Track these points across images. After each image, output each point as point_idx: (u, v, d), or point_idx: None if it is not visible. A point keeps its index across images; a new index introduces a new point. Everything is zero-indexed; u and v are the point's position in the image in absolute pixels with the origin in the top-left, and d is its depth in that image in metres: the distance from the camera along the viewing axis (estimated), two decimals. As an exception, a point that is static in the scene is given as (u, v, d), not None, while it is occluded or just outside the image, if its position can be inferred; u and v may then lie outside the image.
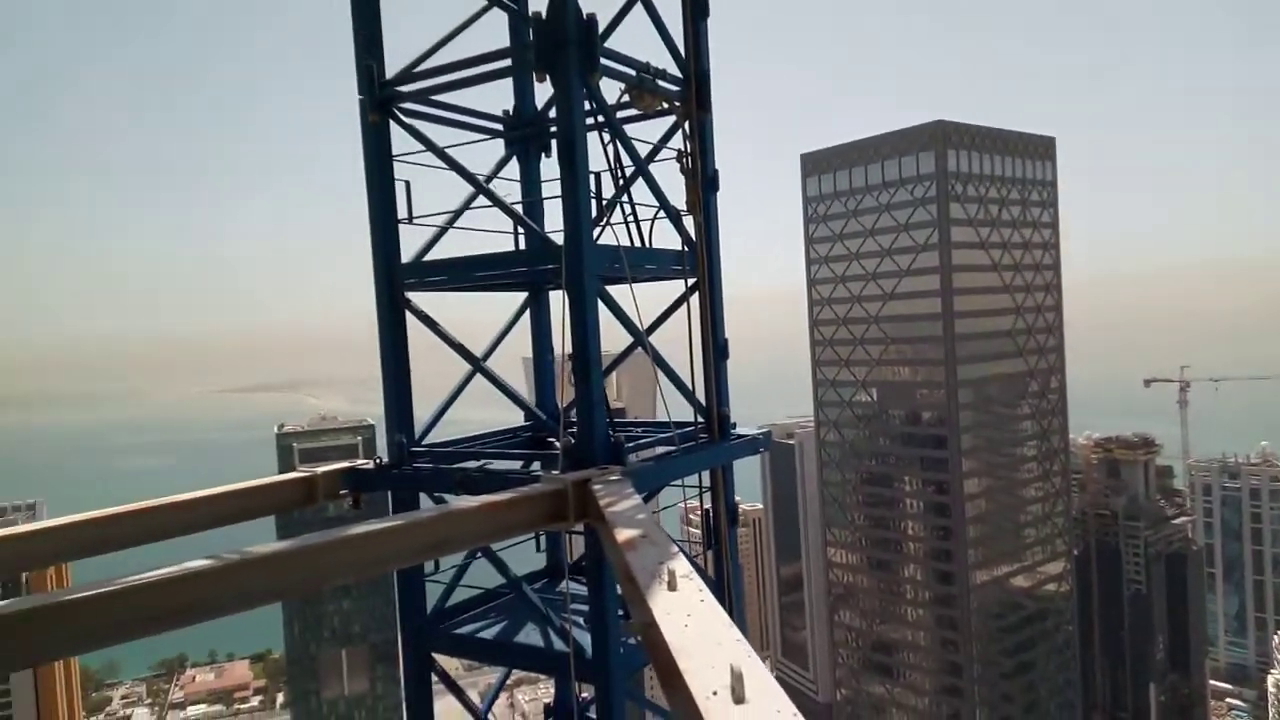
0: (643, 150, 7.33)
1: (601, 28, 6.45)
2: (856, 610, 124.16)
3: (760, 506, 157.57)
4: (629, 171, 7.18)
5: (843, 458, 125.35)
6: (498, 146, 8.77)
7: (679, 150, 7.34)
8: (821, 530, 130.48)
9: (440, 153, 7.13)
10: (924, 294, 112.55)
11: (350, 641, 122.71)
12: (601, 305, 6.57)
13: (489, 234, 8.17)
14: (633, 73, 6.89)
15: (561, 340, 6.53)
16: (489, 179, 8.20)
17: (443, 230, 7.79)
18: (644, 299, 7.14)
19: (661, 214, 7.46)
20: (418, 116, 7.46)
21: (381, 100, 7.15)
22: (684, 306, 7.66)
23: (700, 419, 7.65)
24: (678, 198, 7.46)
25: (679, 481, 7.42)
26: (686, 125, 7.31)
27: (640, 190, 7.38)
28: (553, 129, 8.58)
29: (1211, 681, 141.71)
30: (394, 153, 7.34)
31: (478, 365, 7.66)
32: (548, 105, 8.60)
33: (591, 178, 6.60)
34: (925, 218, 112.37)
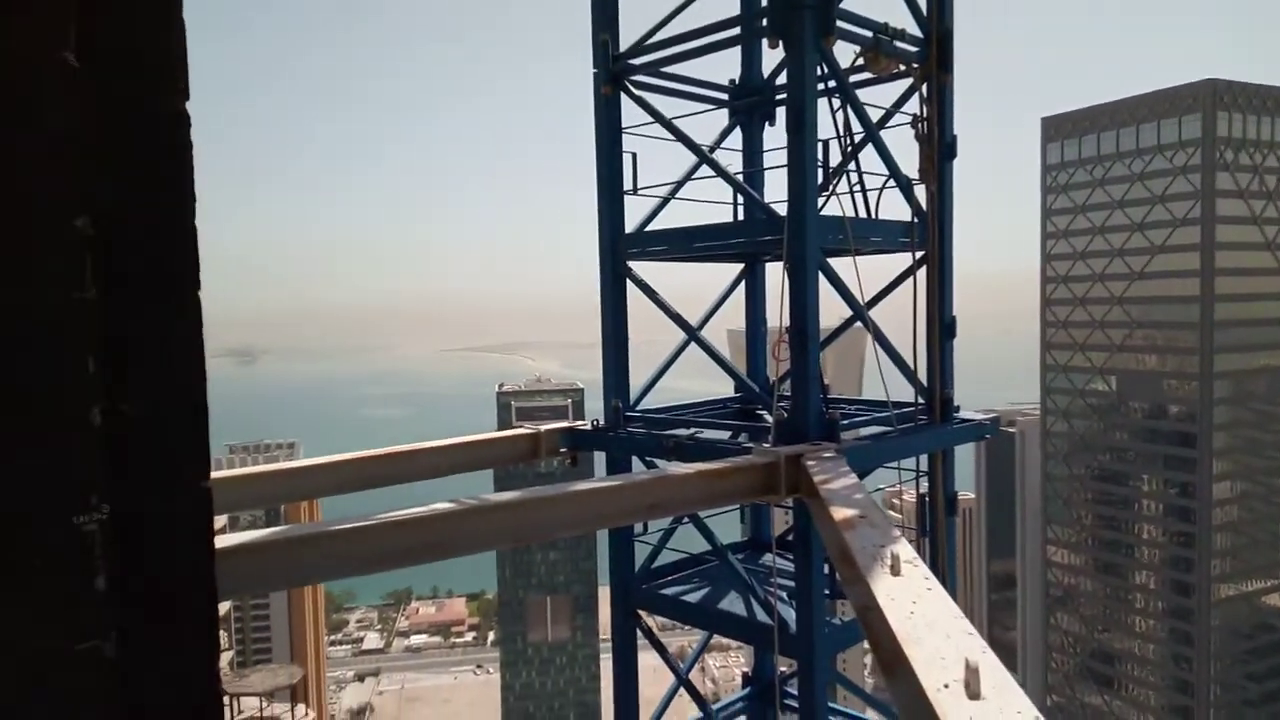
0: (873, 115, 7.03)
1: (838, -13, 6.23)
2: (1076, 614, 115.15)
3: (972, 496, 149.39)
4: (858, 138, 6.92)
5: (1071, 450, 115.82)
6: (720, 117, 8.75)
7: (914, 115, 6.97)
8: (1041, 527, 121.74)
9: (668, 124, 7.20)
10: (1179, 274, 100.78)
11: (554, 590, 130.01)
12: (821, 278, 6.42)
13: (709, 205, 8.21)
14: (869, 34, 6.59)
15: (780, 313, 6.44)
16: (713, 149, 8.20)
17: (665, 201, 7.90)
18: (863, 272, 6.88)
19: (890, 183, 7.14)
20: (647, 88, 7.57)
21: (614, 73, 7.32)
22: (909, 281, 7.32)
23: (920, 400, 7.33)
24: (909, 165, 7.11)
25: (893, 464, 7.17)
26: (924, 88, 6.92)
27: (868, 158, 7.11)
28: (779, 97, 8.44)
29: None
30: (623, 125, 7.51)
31: (693, 335, 7.74)
32: (775, 72, 8.46)
33: (819, 145, 6.43)
34: (1186, 189, 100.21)
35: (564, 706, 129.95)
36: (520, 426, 8.30)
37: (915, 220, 7.14)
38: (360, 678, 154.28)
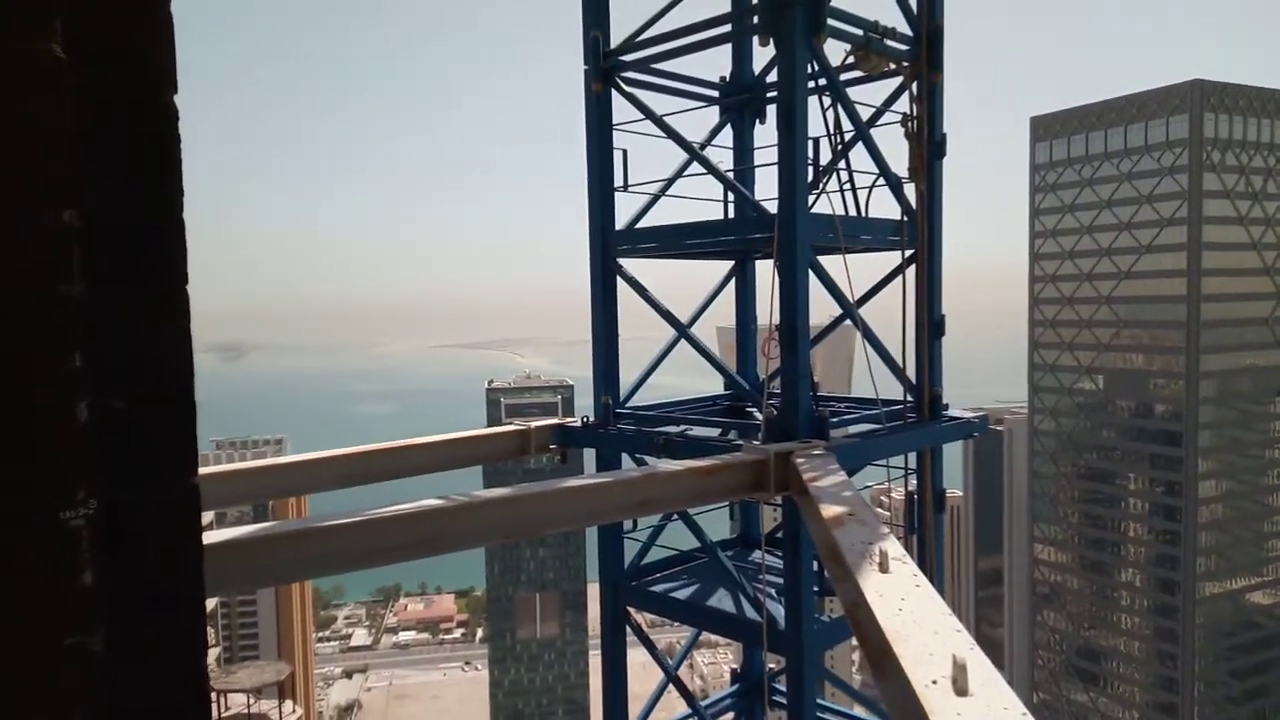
0: (863, 114, 7.05)
1: (829, -15, 6.24)
2: (1063, 612, 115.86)
3: (959, 494, 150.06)
4: (848, 136, 6.93)
5: (1058, 449, 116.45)
6: (711, 114, 8.75)
7: (904, 113, 6.99)
8: (1028, 524, 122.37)
9: (659, 121, 7.20)
10: (1166, 274, 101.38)
11: (544, 587, 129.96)
12: (811, 276, 6.44)
13: (699, 202, 8.21)
14: (860, 32, 6.60)
15: (770, 310, 6.45)
16: (703, 146, 8.21)
17: (655, 198, 7.90)
18: (853, 270, 6.91)
19: (880, 181, 7.16)
20: (638, 85, 7.57)
21: (605, 70, 7.31)
22: (898, 279, 7.35)
23: (910, 398, 7.36)
24: (899, 164, 7.13)
25: (882, 461, 7.20)
26: (914, 87, 6.94)
27: (859, 156, 7.13)
28: (770, 94, 8.45)
29: None
30: (614, 122, 7.50)
31: (683, 332, 7.75)
32: (765, 70, 8.47)
33: (809, 143, 6.44)
34: (1173, 189, 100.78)
35: (552, 703, 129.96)
36: (509, 423, 8.29)
37: (905, 219, 7.17)
38: (348, 674, 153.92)
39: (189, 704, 1.51)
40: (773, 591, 7.26)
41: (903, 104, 7.05)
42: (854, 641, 3.50)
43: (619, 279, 7.70)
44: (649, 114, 7.24)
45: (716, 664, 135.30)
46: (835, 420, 6.63)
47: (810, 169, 6.56)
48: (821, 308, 6.89)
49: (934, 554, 7.30)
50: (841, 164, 7.03)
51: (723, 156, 8.70)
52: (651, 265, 8.62)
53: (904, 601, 2.87)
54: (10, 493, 1.29)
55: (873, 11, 6.70)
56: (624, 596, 7.94)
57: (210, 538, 3.79)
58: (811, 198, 6.56)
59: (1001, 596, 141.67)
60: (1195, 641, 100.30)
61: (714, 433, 7.95)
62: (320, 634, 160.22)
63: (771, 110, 8.01)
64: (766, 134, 8.63)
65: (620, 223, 7.72)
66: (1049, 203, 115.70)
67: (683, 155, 7.65)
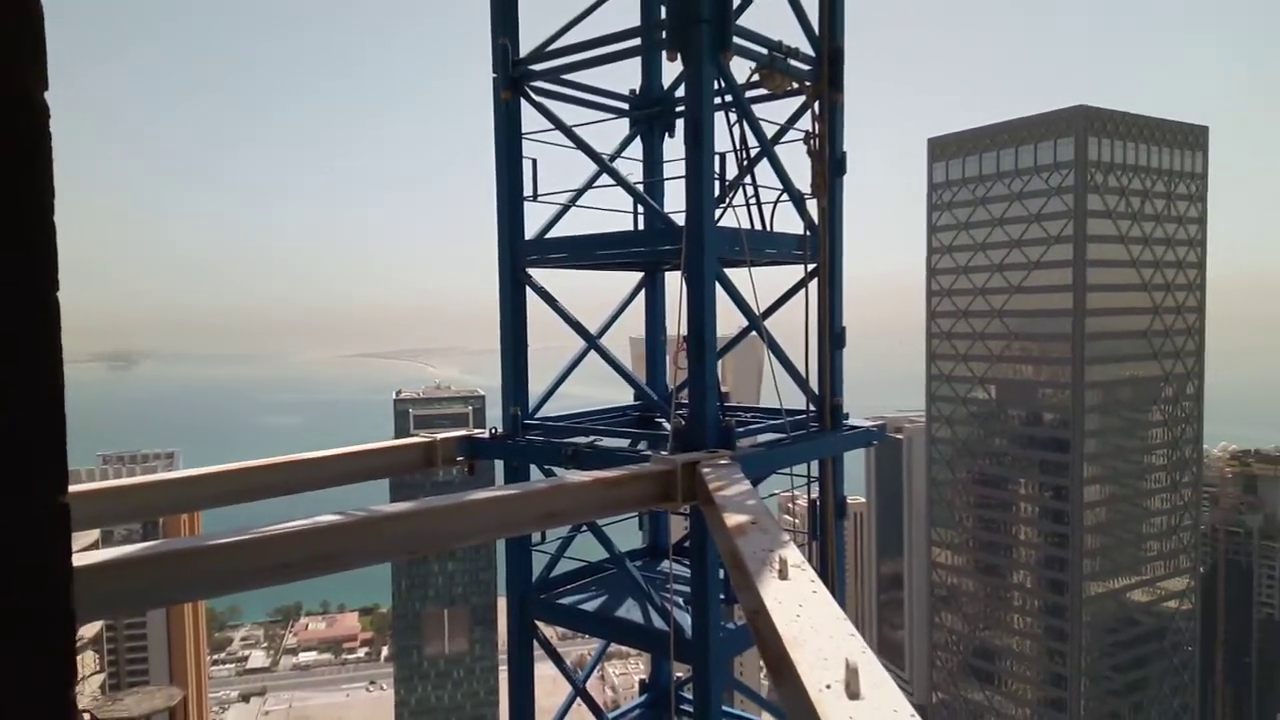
0: (769, 130, 7.22)
1: (734, 4, 6.37)
2: (959, 613, 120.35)
3: (863, 500, 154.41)
4: (754, 152, 7.08)
5: (954, 456, 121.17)
6: (621, 126, 8.81)
7: (806, 131, 7.19)
8: (926, 529, 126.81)
9: (568, 131, 7.21)
10: (1054, 289, 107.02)
11: (452, 602, 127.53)
12: (718, 288, 6.54)
13: (610, 213, 8.25)
14: (765, 51, 6.76)
15: (678, 322, 6.52)
16: (613, 158, 8.25)
17: (565, 208, 7.89)
18: (759, 283, 7.05)
19: (784, 197, 7.33)
20: (547, 95, 7.56)
21: (514, 78, 7.28)
22: (801, 292, 7.53)
23: (812, 408, 7.54)
24: (802, 180, 7.32)
25: (786, 470, 7.34)
26: (816, 105, 7.15)
27: (764, 172, 7.29)
28: (679, 109, 8.55)
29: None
30: (523, 131, 7.47)
31: (593, 343, 7.76)
32: (674, 85, 8.57)
33: (716, 158, 6.55)
34: (1060, 208, 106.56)
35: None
36: (416, 435, 8.13)
37: (808, 233, 7.36)
38: (245, 698, 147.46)
39: (54, 735, 1.42)
40: (680, 600, 7.32)
41: (805, 122, 7.25)
42: (756, 648, 3.56)
43: (528, 289, 7.66)
44: (558, 124, 7.23)
45: (628, 674, 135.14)
46: (741, 430, 6.74)
47: (717, 183, 6.67)
48: (730, 319, 7.01)
49: (836, 559, 7.48)
50: (747, 179, 7.16)
51: (633, 169, 8.76)
52: (569, 275, 8.62)
53: (801, 608, 2.93)
54: None
55: (777, 32, 6.88)
56: (531, 610, 7.87)
57: (89, 558, 3.59)
58: (718, 211, 6.67)
59: (902, 600, 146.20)
60: (1082, 639, 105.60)
61: (623, 443, 7.96)
62: (215, 656, 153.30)
63: (680, 124, 8.11)
64: (676, 147, 8.75)
65: (530, 232, 7.68)
66: (945, 220, 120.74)
67: (593, 166, 7.67)
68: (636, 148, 8.84)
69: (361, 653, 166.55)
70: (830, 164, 7.20)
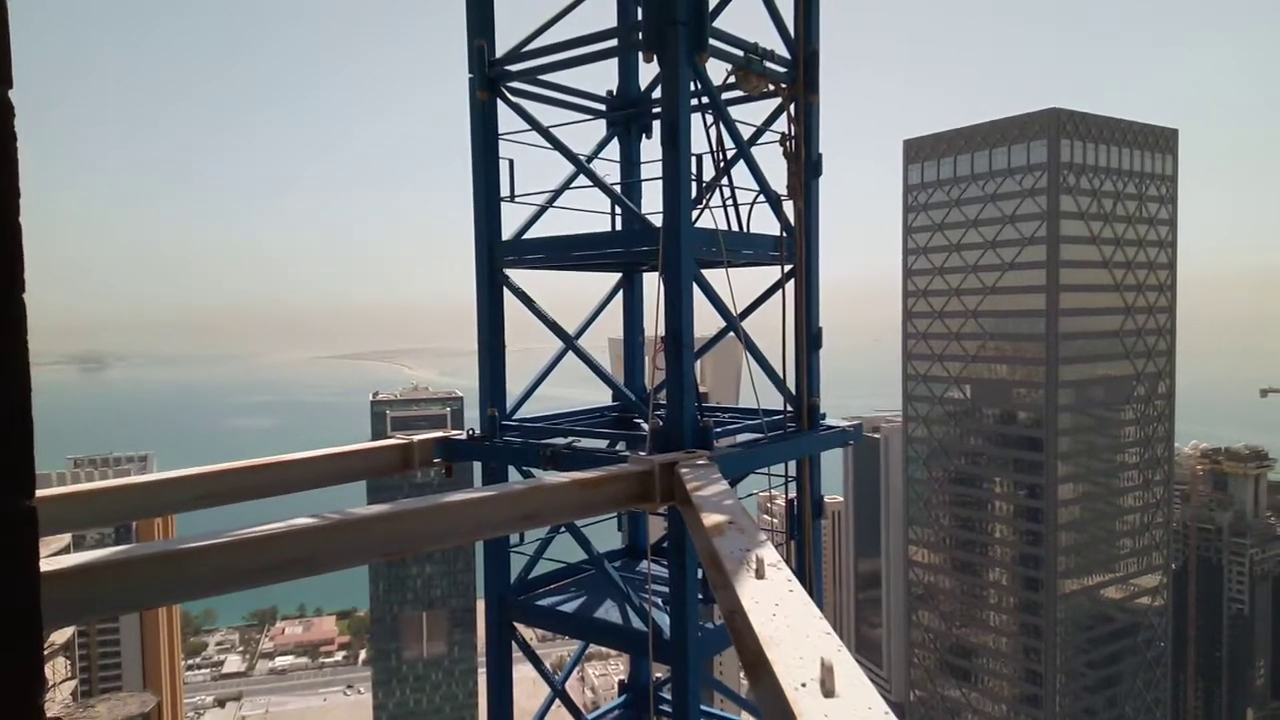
0: (745, 132, 7.24)
1: (710, 6, 6.39)
2: (936, 611, 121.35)
3: (841, 499, 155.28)
4: (730, 154, 7.10)
5: (930, 455, 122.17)
6: (599, 127, 8.81)
7: (783, 133, 7.22)
8: (904, 528, 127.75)
9: (544, 132, 7.20)
10: (1028, 289, 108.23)
11: (431, 605, 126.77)
12: (696, 289, 6.56)
13: (587, 214, 8.25)
14: (740, 53, 6.79)
15: (655, 322, 6.53)
16: (590, 159, 8.25)
17: (542, 209, 7.88)
18: (737, 284, 7.08)
19: (761, 198, 7.37)
20: (524, 95, 7.55)
21: (490, 79, 7.26)
22: (779, 293, 7.57)
23: (790, 408, 7.58)
24: (778, 181, 7.36)
25: (764, 470, 7.37)
26: (792, 108, 7.19)
27: (740, 173, 7.31)
28: (656, 110, 8.57)
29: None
30: (500, 131, 7.45)
31: (570, 344, 7.74)
32: (651, 86, 8.59)
33: (693, 160, 6.57)
34: (1034, 210, 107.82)
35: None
36: (393, 437, 8.08)
37: (784, 234, 7.39)
38: (221, 703, 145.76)
39: (21, 743, 1.40)
40: (659, 601, 7.33)
41: (781, 124, 7.28)
42: (734, 648, 3.57)
43: (506, 290, 7.64)
44: (535, 125, 7.22)
45: (608, 675, 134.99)
46: (719, 430, 6.76)
47: (694, 184, 6.69)
48: (708, 320, 7.03)
49: (814, 558, 7.52)
50: (724, 180, 7.19)
51: (610, 169, 8.77)
52: (548, 275, 8.60)
53: (778, 607, 2.95)
54: None
55: (753, 34, 6.90)
56: (510, 612, 7.84)
57: (59, 562, 3.54)
58: (695, 212, 6.69)
59: (880, 598, 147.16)
60: (1057, 636, 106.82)
61: (601, 444, 7.96)
62: (190, 661, 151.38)
63: (657, 125, 8.12)
64: (652, 148, 8.76)
65: (507, 233, 7.66)
66: (920, 221, 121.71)
67: (570, 167, 7.66)
68: (614, 148, 8.85)
69: (339, 656, 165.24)
70: (806, 166, 7.24)
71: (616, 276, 9.18)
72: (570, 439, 7.52)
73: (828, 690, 2.28)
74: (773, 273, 7.62)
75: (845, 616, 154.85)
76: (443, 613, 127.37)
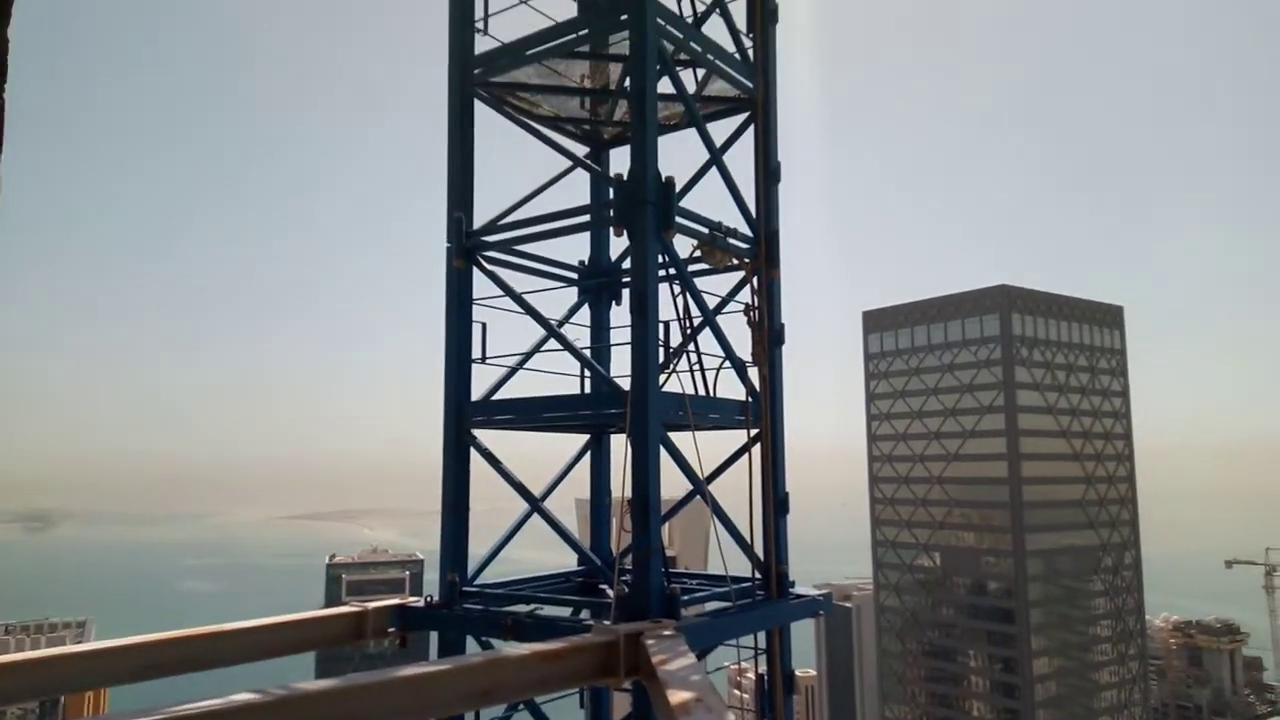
0: (710, 302, 7.51)
1: (678, 188, 6.78)
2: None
3: (813, 672, 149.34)
4: (696, 322, 7.33)
5: (903, 626, 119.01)
6: (570, 293, 9.08)
7: (746, 304, 7.50)
8: (879, 704, 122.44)
9: (518, 299, 7.41)
10: (990, 457, 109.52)
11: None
12: (663, 451, 6.57)
13: (556, 376, 8.35)
14: (706, 231, 7.16)
15: (622, 485, 6.50)
16: (561, 324, 8.44)
17: (513, 371, 7.97)
18: (704, 447, 7.11)
19: (727, 364, 7.54)
20: (499, 264, 7.81)
21: (467, 249, 7.53)
22: (745, 458, 7.60)
23: (758, 575, 7.44)
24: (743, 348, 7.56)
25: (733, 641, 7.14)
26: (755, 281, 7.50)
27: (707, 340, 7.52)
28: (625, 279, 8.87)
29: None
30: (474, 296, 7.65)
31: (536, 506, 7.64)
32: (621, 257, 8.94)
33: (660, 326, 6.76)
34: (990, 380, 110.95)
35: None
36: (347, 604, 7.74)
37: (749, 400, 7.51)
38: None
39: None
40: (622, 786, 6.87)
41: (745, 295, 7.58)
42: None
43: (473, 450, 7.59)
44: (509, 292, 7.44)
45: None
46: (686, 598, 6.58)
47: (661, 350, 6.86)
48: (676, 483, 7.01)
49: (785, 739, 7.16)
50: (691, 347, 7.38)
51: (580, 333, 8.97)
52: (517, 434, 8.58)
53: (748, 793, 2.78)
54: None
55: (717, 214, 7.31)
56: (461, 798, 7.27)
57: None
58: (663, 377, 6.81)
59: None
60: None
61: (565, 612, 7.70)
62: None
63: (627, 294, 8.40)
64: (622, 314, 9.01)
65: (476, 394, 7.71)
66: (882, 388, 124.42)
67: (541, 330, 7.83)
68: (584, 314, 9.09)
69: None
70: (769, 335, 7.48)
71: (585, 437, 9.18)
72: (533, 606, 7.26)
73: None
74: (739, 436, 7.68)
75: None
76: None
